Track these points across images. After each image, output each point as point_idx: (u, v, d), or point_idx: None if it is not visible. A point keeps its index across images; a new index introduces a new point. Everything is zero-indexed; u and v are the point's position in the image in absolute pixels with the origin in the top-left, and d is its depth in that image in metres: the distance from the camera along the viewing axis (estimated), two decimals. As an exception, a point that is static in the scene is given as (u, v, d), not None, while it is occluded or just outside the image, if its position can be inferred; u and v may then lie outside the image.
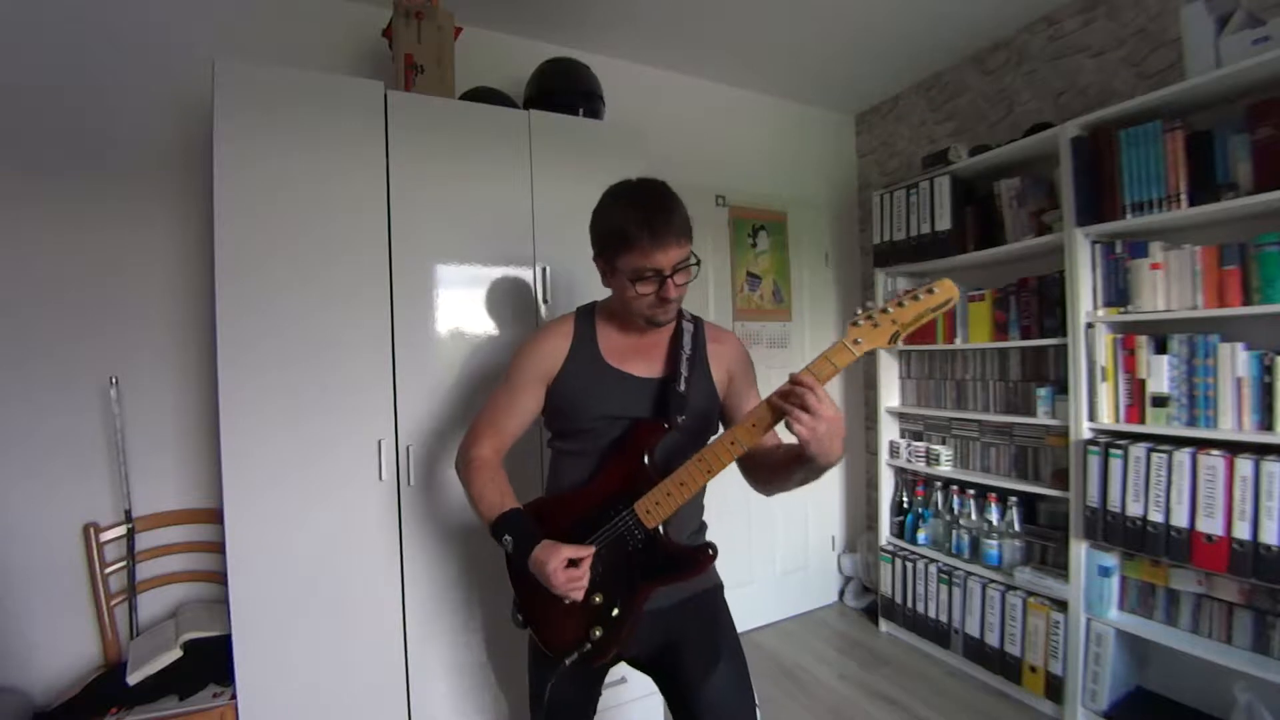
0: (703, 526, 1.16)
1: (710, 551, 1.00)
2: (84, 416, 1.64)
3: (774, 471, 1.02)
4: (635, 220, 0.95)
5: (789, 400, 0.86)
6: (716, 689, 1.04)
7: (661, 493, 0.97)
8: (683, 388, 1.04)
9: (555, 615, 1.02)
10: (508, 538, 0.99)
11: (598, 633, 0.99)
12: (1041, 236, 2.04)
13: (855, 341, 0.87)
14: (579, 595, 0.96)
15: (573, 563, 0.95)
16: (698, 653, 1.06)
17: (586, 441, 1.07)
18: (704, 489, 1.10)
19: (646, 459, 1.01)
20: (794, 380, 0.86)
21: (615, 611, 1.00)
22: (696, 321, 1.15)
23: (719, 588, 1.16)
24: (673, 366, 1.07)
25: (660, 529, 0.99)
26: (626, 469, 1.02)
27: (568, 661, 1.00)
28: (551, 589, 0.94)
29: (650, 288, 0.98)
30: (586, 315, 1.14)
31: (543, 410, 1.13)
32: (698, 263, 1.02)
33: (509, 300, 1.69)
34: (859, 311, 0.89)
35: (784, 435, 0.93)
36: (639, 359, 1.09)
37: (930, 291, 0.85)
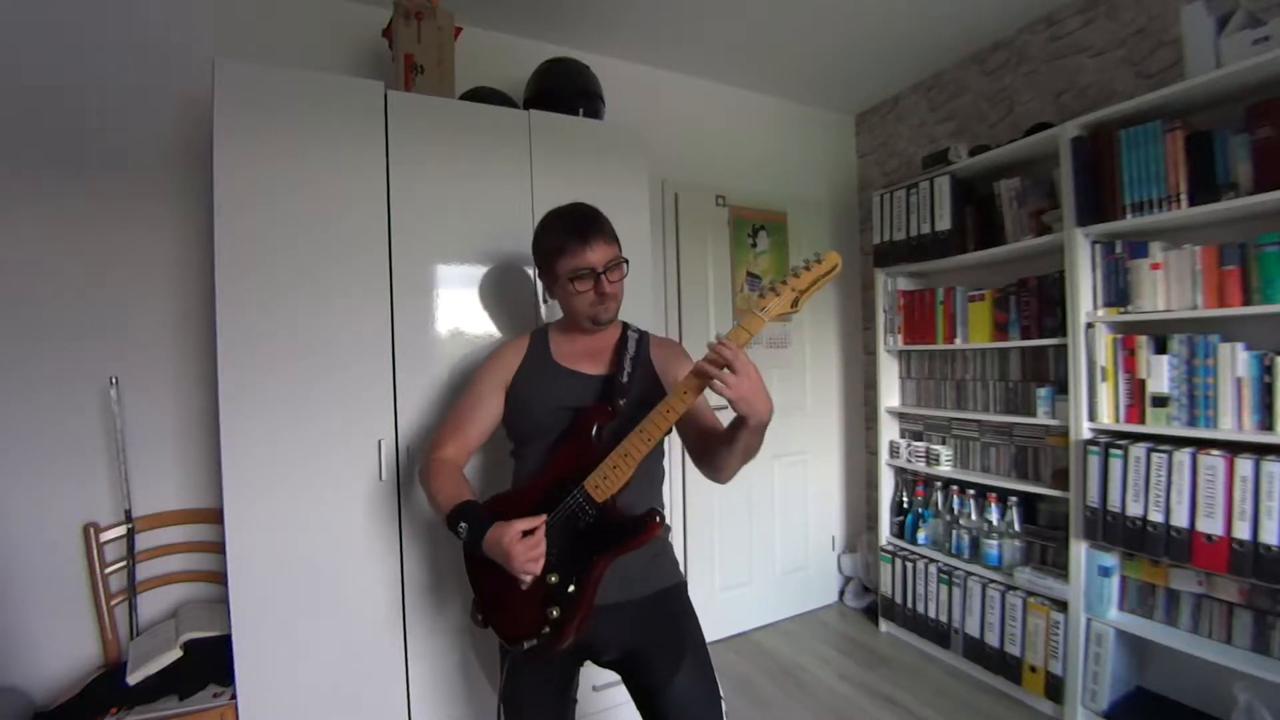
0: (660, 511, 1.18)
1: (657, 518, 1.04)
2: (84, 416, 1.64)
3: (720, 446, 1.07)
4: (564, 229, 1.13)
5: (712, 364, 0.94)
6: (682, 687, 1.07)
7: (608, 466, 1.02)
8: (625, 379, 1.14)
9: (513, 602, 1.05)
10: (463, 525, 1.03)
11: (554, 612, 1.02)
12: (1041, 236, 2.04)
13: (763, 309, 0.97)
14: (537, 567, 0.98)
15: (527, 534, 0.98)
16: (662, 652, 1.10)
17: (541, 438, 1.16)
18: (657, 469, 1.21)
19: (594, 432, 1.09)
20: (714, 347, 0.95)
21: (571, 588, 1.03)
22: (642, 333, 1.26)
23: (682, 585, 1.20)
24: (617, 364, 1.18)
25: (611, 501, 1.03)
26: (575, 452, 1.09)
27: (526, 645, 1.03)
28: (510, 566, 0.97)
29: (587, 285, 1.12)
30: (540, 331, 1.29)
31: (504, 421, 1.22)
32: (627, 261, 1.17)
33: (509, 300, 1.69)
34: (764, 284, 1.04)
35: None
36: (587, 361, 1.20)
37: (819, 261, 1.00)
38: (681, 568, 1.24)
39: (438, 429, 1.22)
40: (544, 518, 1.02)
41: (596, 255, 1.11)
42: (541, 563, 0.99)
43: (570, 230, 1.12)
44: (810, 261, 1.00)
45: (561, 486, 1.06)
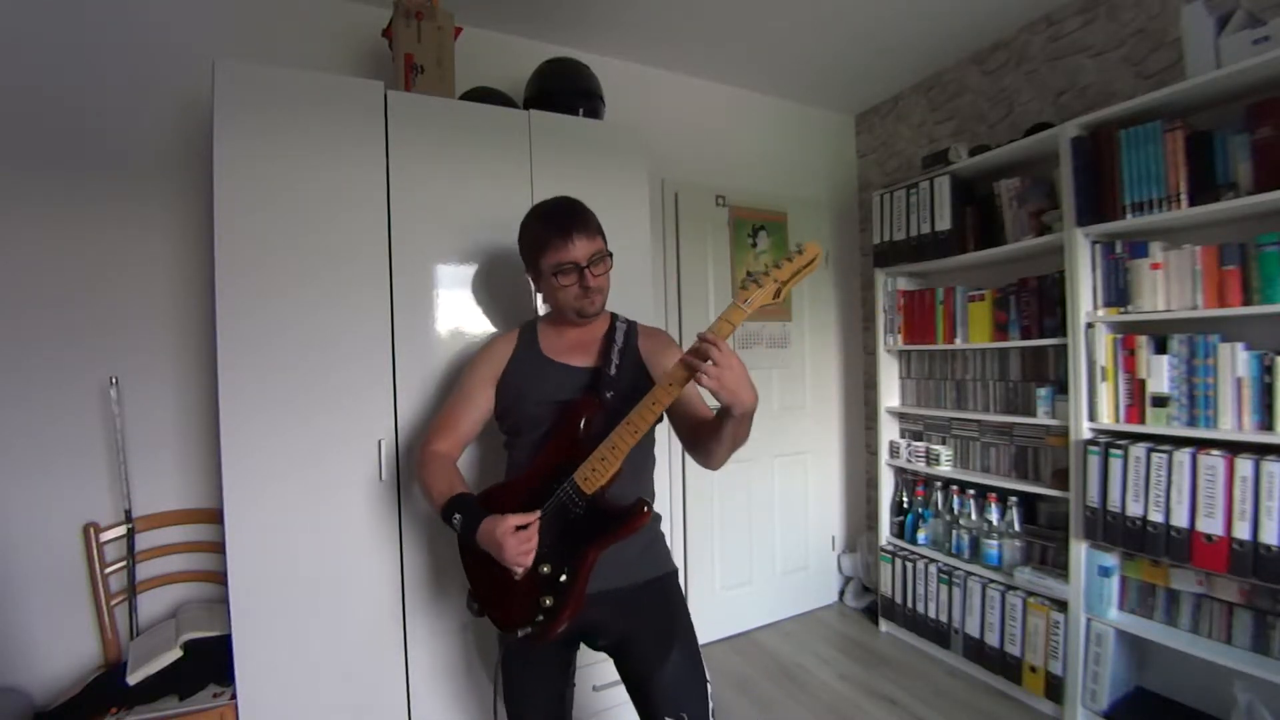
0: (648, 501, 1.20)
1: (645, 508, 1.05)
2: (84, 416, 1.64)
3: (708, 434, 1.09)
4: (546, 224, 1.14)
5: (696, 356, 0.95)
6: (670, 674, 1.11)
7: (596, 459, 1.04)
8: (613, 371, 1.16)
9: (507, 592, 1.08)
10: (457, 516, 1.07)
11: (548, 601, 1.05)
12: (1041, 236, 2.04)
13: (746, 301, 0.98)
14: (528, 560, 1.01)
15: (520, 529, 1.01)
16: (652, 640, 1.13)
17: (531, 431, 1.17)
18: (646, 458, 1.23)
19: (582, 425, 1.10)
20: (699, 338, 0.96)
21: (563, 578, 1.05)
22: (630, 323, 1.27)
23: (673, 574, 1.23)
24: (605, 356, 1.19)
25: (600, 492, 1.05)
26: (565, 445, 1.10)
27: (521, 633, 1.06)
28: (503, 558, 1.00)
29: (572, 279, 1.13)
30: (529, 325, 1.30)
31: (495, 414, 1.23)
32: (611, 255, 1.18)
33: (509, 300, 1.69)
34: (746, 276, 1.01)
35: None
36: (576, 354, 1.21)
37: (800, 252, 1.01)
38: (679, 563, 1.25)
39: (430, 423, 1.24)
40: (538, 514, 1.04)
41: (579, 250, 1.12)
42: (532, 556, 1.01)
43: (552, 225, 1.13)
44: (791, 253, 1.02)
45: (552, 478, 1.08)
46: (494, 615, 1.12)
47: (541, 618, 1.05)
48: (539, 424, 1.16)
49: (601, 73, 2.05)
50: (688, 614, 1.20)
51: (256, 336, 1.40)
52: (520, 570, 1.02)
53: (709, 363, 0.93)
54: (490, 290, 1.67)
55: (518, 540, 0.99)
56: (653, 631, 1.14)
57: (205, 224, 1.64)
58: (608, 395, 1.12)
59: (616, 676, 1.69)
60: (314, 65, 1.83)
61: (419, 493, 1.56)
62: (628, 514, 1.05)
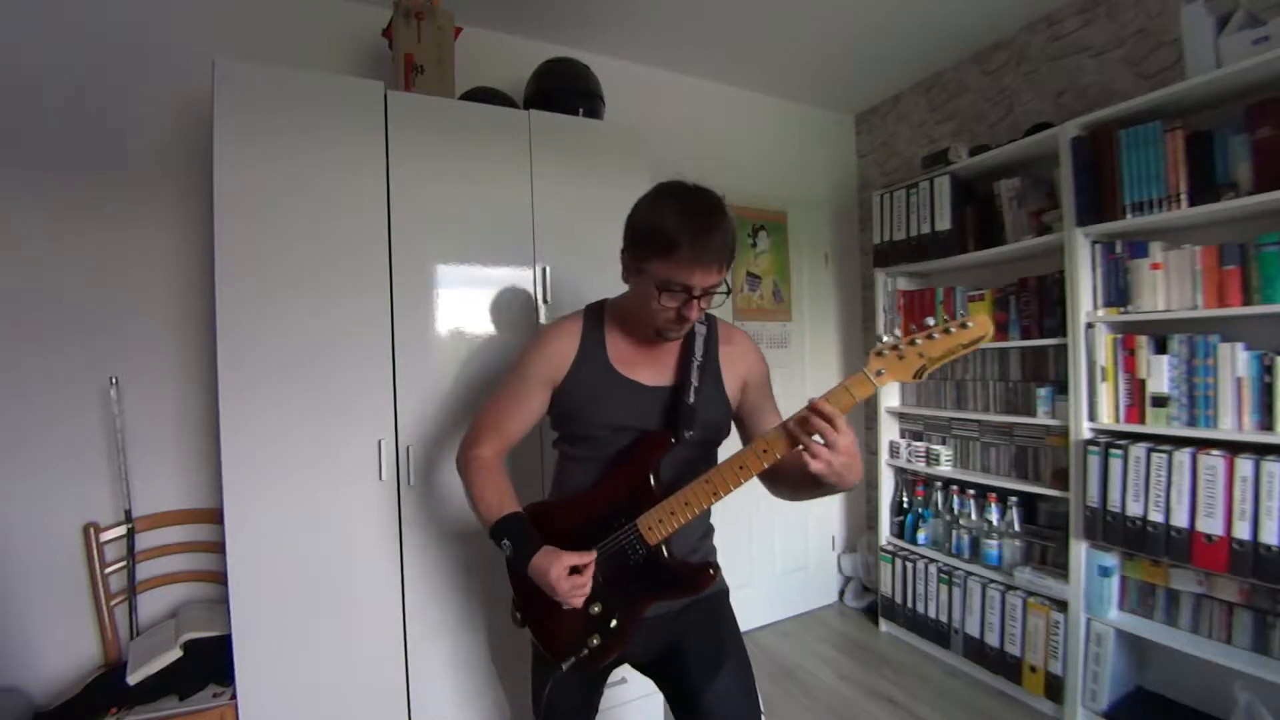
0: (709, 531, 1.15)
1: (711, 571, 0.99)
2: (84, 416, 1.64)
3: (790, 486, 1.02)
4: (682, 229, 0.89)
5: (805, 429, 0.84)
6: (722, 692, 1.02)
7: (665, 511, 0.96)
8: (692, 399, 1.01)
9: (554, 620, 1.02)
10: (506, 542, 0.99)
11: (595, 641, 0.99)
12: (1041, 236, 2.04)
13: (878, 373, 0.83)
14: (580, 602, 0.95)
15: (575, 569, 0.94)
16: (702, 656, 1.05)
17: (592, 449, 1.05)
18: None
19: (652, 478, 0.99)
20: (813, 408, 0.83)
21: (614, 623, 0.99)
22: (710, 322, 1.10)
23: (724, 592, 1.15)
24: (683, 375, 1.04)
25: (662, 547, 0.98)
26: (631, 481, 1.00)
27: (564, 666, 1.00)
28: (554, 596, 0.94)
29: (674, 302, 0.93)
30: (595, 316, 1.10)
31: (548, 411, 1.11)
32: (728, 291, 0.97)
33: (509, 300, 1.69)
34: (884, 339, 0.84)
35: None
36: (648, 366, 1.06)
37: (964, 326, 0.80)
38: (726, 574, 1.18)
39: (475, 422, 1.13)
40: (594, 555, 0.97)
41: (703, 278, 0.91)
42: (585, 598, 0.95)
43: (687, 235, 0.88)
44: (951, 324, 0.80)
45: (611, 513, 1.00)
46: (539, 638, 1.06)
47: (586, 653, 0.99)
48: (601, 444, 1.04)
49: (601, 73, 2.05)
50: (739, 635, 1.11)
51: (256, 336, 1.40)
52: (570, 606, 0.96)
53: (819, 441, 0.81)
54: (491, 290, 1.67)
55: (571, 583, 0.93)
56: (701, 647, 1.05)
57: (205, 224, 1.64)
58: (686, 435, 0.99)
59: (622, 675, 1.71)
60: (314, 65, 1.83)
61: (423, 497, 1.56)
62: (693, 577, 0.99)
